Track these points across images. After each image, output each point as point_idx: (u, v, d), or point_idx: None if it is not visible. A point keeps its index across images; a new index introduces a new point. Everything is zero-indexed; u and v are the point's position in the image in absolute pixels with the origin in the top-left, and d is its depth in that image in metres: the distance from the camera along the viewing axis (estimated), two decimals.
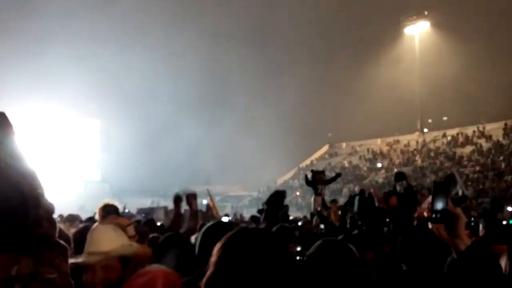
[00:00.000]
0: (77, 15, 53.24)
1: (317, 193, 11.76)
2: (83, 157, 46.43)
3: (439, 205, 1.53)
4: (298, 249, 3.02)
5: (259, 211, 9.92)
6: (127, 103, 53.64)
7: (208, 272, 1.31)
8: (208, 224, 2.52)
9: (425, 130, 48.46)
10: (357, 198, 14.68)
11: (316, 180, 11.93)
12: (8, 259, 1.15)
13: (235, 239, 1.35)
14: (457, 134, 41.92)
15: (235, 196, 49.10)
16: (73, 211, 16.83)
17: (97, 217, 6.63)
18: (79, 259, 2.03)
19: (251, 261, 1.27)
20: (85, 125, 48.40)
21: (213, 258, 1.33)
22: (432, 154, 40.33)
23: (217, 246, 1.34)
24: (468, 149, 37.86)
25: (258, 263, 1.27)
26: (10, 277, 1.13)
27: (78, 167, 45.73)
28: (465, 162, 35.05)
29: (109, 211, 6.82)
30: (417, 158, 41.12)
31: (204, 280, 1.31)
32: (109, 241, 2.10)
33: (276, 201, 7.52)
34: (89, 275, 2.02)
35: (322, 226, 8.15)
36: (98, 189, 45.68)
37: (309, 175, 12.25)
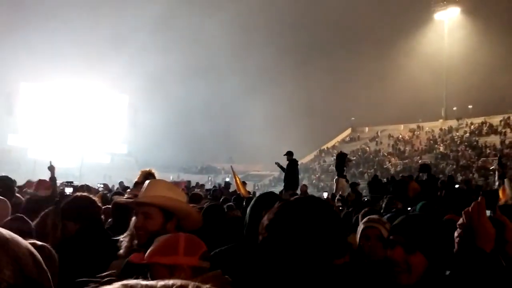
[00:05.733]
0: None
1: (343, 175, 12.14)
2: (110, 130, 47.61)
3: (487, 213, 1.70)
4: None
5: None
6: (154, 80, 54.57)
7: (261, 237, 1.29)
8: (258, 195, 2.60)
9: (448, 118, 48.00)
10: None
11: (346, 162, 12.31)
12: None
13: (289, 206, 1.32)
14: (482, 123, 41.61)
15: (257, 175, 49.72)
16: (100, 180, 18.04)
17: (137, 179, 7.37)
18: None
19: (303, 227, 1.25)
20: (114, 100, 49.46)
21: (264, 223, 1.30)
22: (456, 142, 40.10)
23: (269, 213, 1.31)
24: (493, 138, 37.62)
25: (311, 228, 1.25)
26: None
27: (106, 140, 46.96)
28: (488, 151, 34.91)
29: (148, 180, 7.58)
30: (439, 145, 40.95)
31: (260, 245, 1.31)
32: (155, 191, 2.20)
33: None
34: (135, 220, 2.18)
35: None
36: (124, 162, 47.05)
37: (340, 156, 12.63)
